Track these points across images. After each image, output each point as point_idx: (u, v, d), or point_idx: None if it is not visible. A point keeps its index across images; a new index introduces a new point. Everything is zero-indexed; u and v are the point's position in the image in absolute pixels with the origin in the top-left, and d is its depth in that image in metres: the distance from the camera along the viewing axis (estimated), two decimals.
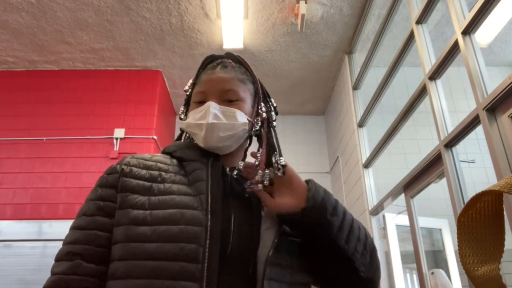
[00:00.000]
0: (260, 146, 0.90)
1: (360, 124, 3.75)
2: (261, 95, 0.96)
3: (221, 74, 0.91)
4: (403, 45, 2.89)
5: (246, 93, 0.92)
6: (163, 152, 0.93)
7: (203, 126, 0.85)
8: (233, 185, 0.86)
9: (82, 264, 0.74)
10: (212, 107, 0.86)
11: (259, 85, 0.98)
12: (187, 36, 3.84)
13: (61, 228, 3.57)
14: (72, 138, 3.92)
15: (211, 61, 0.97)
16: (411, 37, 2.78)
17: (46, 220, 3.56)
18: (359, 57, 4.00)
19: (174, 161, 0.88)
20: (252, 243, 0.77)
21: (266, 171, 0.82)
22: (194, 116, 0.88)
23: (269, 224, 0.79)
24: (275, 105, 0.99)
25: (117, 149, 3.86)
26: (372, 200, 3.44)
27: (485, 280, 0.41)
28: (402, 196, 2.96)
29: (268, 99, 0.98)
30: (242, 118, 0.88)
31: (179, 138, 1.00)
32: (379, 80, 3.37)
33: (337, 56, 4.16)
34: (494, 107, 1.84)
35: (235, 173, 0.88)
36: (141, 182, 0.81)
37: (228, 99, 0.89)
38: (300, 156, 4.97)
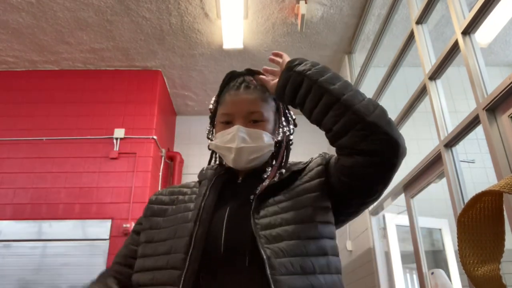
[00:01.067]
0: (275, 159, 0.97)
1: None
2: (282, 110, 1.02)
3: (245, 96, 0.95)
4: (403, 45, 2.89)
5: (269, 112, 0.97)
6: None
7: (232, 150, 0.91)
8: (241, 190, 0.92)
9: (119, 265, 0.96)
10: (240, 131, 0.91)
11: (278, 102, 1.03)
12: (187, 36, 3.84)
13: (61, 228, 3.58)
14: (72, 138, 3.92)
15: (232, 78, 1.02)
16: (411, 37, 2.78)
17: (46, 220, 3.56)
18: (359, 57, 4.01)
19: (197, 183, 1.01)
20: (245, 237, 0.80)
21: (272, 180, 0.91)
22: (222, 138, 0.94)
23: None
24: (294, 117, 1.06)
25: (117, 149, 3.86)
26: None
27: (485, 280, 0.41)
28: (402, 196, 2.96)
29: (288, 112, 1.04)
30: (268, 139, 0.93)
31: (211, 158, 1.08)
32: (379, 80, 3.37)
33: (337, 56, 4.16)
34: (494, 107, 1.84)
35: (240, 179, 0.96)
36: (160, 206, 0.96)
37: (253, 120, 0.94)
38: (300, 156, 4.95)
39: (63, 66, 4.25)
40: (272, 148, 0.95)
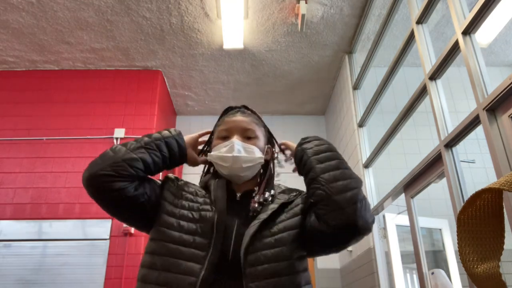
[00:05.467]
0: (263, 176, 1.13)
1: (360, 124, 3.75)
2: (272, 138, 1.21)
3: (241, 117, 1.12)
4: (403, 45, 2.89)
5: (260, 133, 1.13)
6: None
7: (229, 158, 1.05)
8: (241, 207, 1.04)
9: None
10: (236, 143, 1.06)
11: (269, 130, 1.22)
12: (187, 36, 3.84)
13: (61, 228, 3.58)
14: (72, 138, 3.92)
15: (231, 109, 1.19)
16: (411, 37, 2.78)
17: (46, 220, 3.56)
18: (359, 57, 4.00)
19: (201, 189, 1.10)
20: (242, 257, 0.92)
21: (262, 196, 1.05)
22: (220, 150, 1.07)
23: (253, 224, 0.96)
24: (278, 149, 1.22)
25: None
26: (372, 200, 3.44)
27: (485, 277, 0.41)
28: (402, 196, 2.96)
29: (275, 141, 1.22)
30: (258, 153, 1.09)
31: (207, 171, 1.21)
32: (379, 80, 3.37)
33: (337, 56, 4.16)
34: (494, 107, 1.84)
35: (238, 196, 1.08)
36: (179, 191, 1.10)
37: (248, 136, 1.10)
38: None
39: (63, 66, 4.26)
40: (262, 161, 1.09)
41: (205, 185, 1.11)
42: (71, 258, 3.42)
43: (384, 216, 3.24)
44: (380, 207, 3.25)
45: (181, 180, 1.12)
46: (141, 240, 3.50)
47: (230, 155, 1.04)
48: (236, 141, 1.06)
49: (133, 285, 0.97)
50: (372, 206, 3.39)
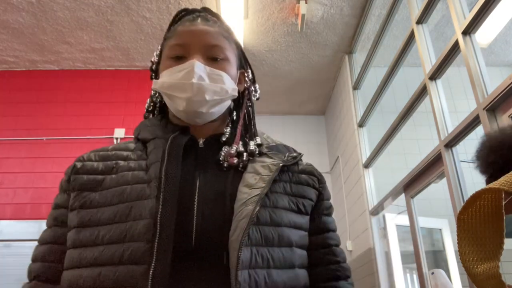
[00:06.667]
0: (238, 115, 0.81)
1: (360, 124, 3.75)
2: (244, 58, 0.85)
3: (204, 27, 0.75)
4: (403, 45, 2.89)
5: (231, 53, 0.78)
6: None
7: (187, 86, 0.70)
8: (206, 157, 0.73)
9: (37, 286, 0.68)
10: (197, 66, 0.70)
11: (241, 48, 0.85)
12: None
13: None
14: (72, 138, 3.92)
15: (186, 14, 0.81)
16: (411, 37, 2.78)
17: (46, 220, 3.56)
18: (359, 57, 4.01)
19: (139, 144, 0.77)
20: (225, 226, 0.62)
21: (241, 144, 0.74)
22: (173, 75, 0.72)
23: (247, 196, 0.65)
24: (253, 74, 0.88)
25: None
26: (372, 200, 3.44)
27: (485, 277, 0.41)
28: (402, 196, 2.96)
29: (249, 65, 0.86)
30: (229, 82, 0.74)
31: (152, 111, 0.87)
32: (379, 80, 3.37)
33: (337, 56, 4.16)
34: (495, 107, 1.84)
35: (201, 142, 0.75)
36: (92, 176, 0.72)
37: (213, 57, 0.74)
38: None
39: (64, 66, 4.25)
40: (235, 94, 0.76)
41: (143, 144, 0.76)
42: None
43: (384, 216, 3.24)
44: (380, 207, 3.25)
45: (88, 158, 0.78)
46: None
47: (187, 81, 0.69)
48: (197, 63, 0.70)
49: None
50: (372, 206, 3.40)
